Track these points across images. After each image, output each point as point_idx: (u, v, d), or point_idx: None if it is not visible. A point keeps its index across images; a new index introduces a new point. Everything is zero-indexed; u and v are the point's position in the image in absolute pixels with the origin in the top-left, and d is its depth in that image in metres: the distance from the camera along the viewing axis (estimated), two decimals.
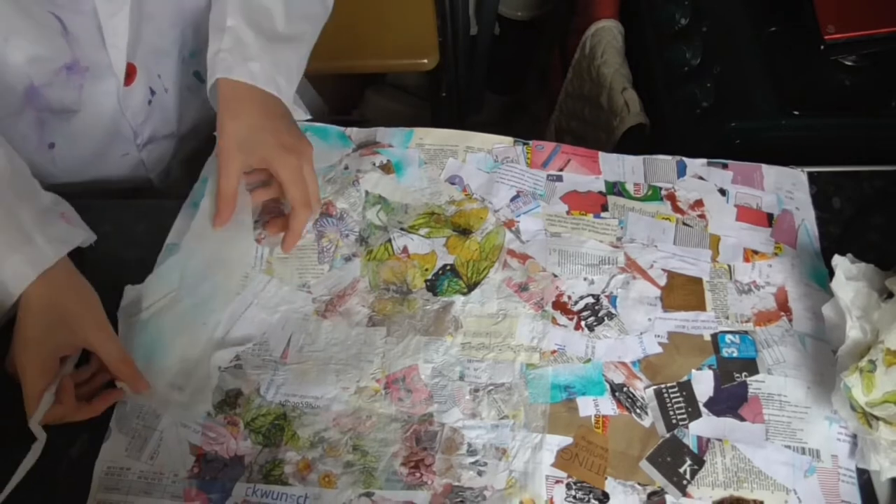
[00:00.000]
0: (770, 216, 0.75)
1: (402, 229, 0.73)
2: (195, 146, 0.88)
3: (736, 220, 0.74)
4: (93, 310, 0.61)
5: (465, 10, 1.48)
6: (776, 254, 0.72)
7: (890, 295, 0.66)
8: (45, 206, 0.63)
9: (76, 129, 0.74)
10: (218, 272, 0.70)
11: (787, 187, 0.77)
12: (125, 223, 0.73)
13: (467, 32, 1.55)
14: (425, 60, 1.29)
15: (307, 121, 0.79)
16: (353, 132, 0.80)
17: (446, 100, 1.57)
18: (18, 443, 0.61)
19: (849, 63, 0.88)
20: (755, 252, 0.72)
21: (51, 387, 0.59)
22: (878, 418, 0.60)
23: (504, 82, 1.83)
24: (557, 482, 0.61)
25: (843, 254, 0.68)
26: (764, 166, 0.78)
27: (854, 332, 0.64)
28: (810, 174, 0.79)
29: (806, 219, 0.75)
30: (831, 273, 0.67)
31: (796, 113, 0.85)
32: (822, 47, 0.84)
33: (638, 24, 1.09)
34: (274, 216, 0.73)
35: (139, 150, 0.80)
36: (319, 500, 0.60)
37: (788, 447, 0.63)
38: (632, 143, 1.01)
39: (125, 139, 0.78)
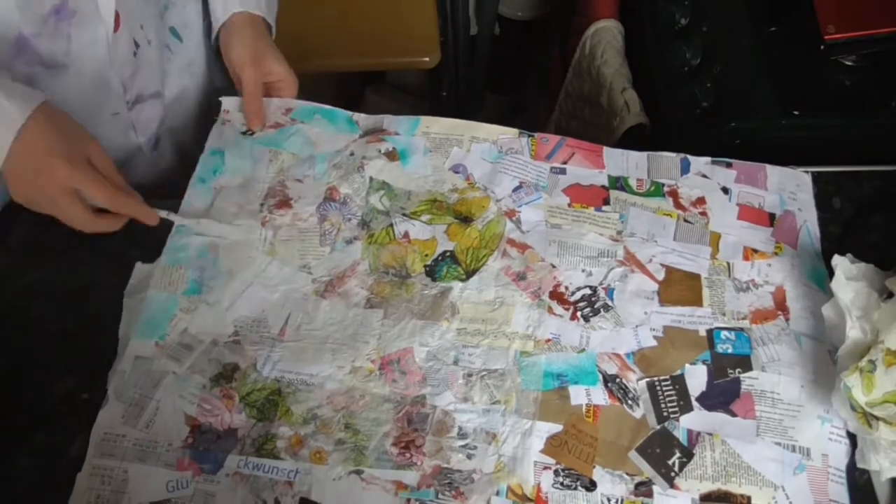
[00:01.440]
0: (772, 216, 0.75)
1: (404, 215, 0.74)
2: (181, 114, 0.89)
3: (737, 218, 0.74)
4: (83, 126, 0.66)
5: (466, 9, 1.48)
6: (776, 253, 0.72)
7: (890, 295, 0.65)
8: None
9: (66, 84, 0.74)
10: (225, 255, 0.71)
11: (790, 188, 0.77)
12: (127, 223, 0.72)
13: (468, 32, 1.55)
14: (427, 58, 1.29)
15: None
16: (361, 118, 0.81)
17: (446, 99, 1.57)
18: (19, 445, 0.63)
19: (849, 63, 0.89)
20: (755, 251, 0.73)
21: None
22: (878, 418, 0.60)
23: (504, 82, 1.84)
24: (545, 468, 0.61)
25: (843, 254, 0.68)
26: (768, 166, 0.78)
27: (854, 332, 0.64)
28: (810, 174, 0.79)
29: (808, 220, 0.75)
30: (831, 274, 0.67)
31: (796, 113, 0.85)
32: (822, 47, 0.84)
33: (638, 24, 1.10)
34: (280, 200, 0.74)
35: (129, 108, 0.81)
36: (310, 475, 0.61)
37: (779, 444, 0.63)
38: (632, 143, 1.01)
39: (115, 95, 0.79)
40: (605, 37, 1.12)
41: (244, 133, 0.79)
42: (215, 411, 0.63)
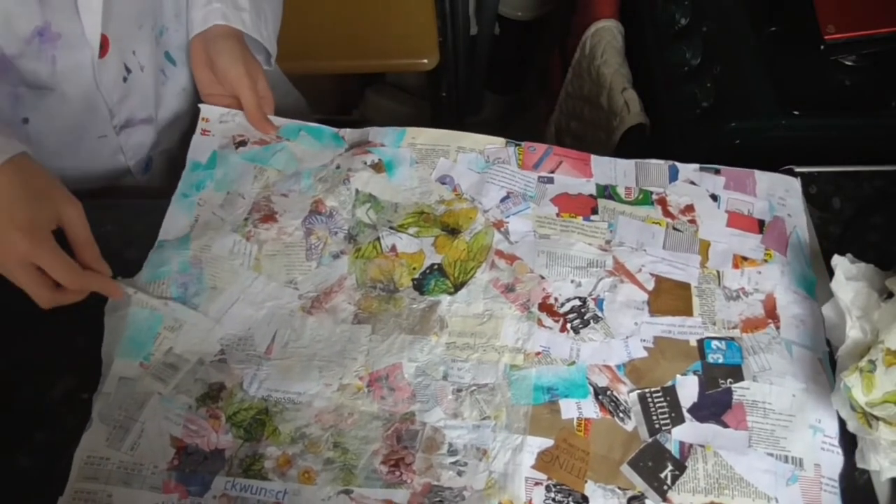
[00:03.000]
0: (761, 223, 0.74)
1: (391, 228, 0.73)
2: (176, 138, 0.88)
3: (726, 225, 0.74)
4: (61, 187, 0.62)
5: (465, 10, 1.48)
6: (766, 260, 0.72)
7: (890, 295, 0.66)
8: None
9: (51, 106, 0.73)
10: (209, 270, 0.70)
11: (779, 194, 0.76)
12: (125, 223, 0.73)
13: (467, 32, 1.55)
14: (425, 60, 1.29)
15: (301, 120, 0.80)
16: (347, 133, 0.81)
17: (446, 100, 1.57)
18: (19, 445, 0.63)
19: (849, 63, 0.89)
20: (744, 258, 0.72)
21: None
22: (878, 418, 0.60)
23: (504, 82, 1.84)
24: (537, 484, 0.61)
25: (843, 254, 0.68)
26: (757, 172, 0.77)
27: (854, 332, 0.64)
28: (810, 174, 0.79)
29: (798, 226, 0.75)
30: (830, 273, 0.66)
31: (796, 113, 0.85)
32: (822, 47, 0.84)
33: (638, 24, 1.09)
34: (265, 214, 0.73)
35: (117, 132, 0.80)
36: (298, 496, 0.60)
37: (771, 455, 0.62)
38: (632, 143, 1.01)
39: (101, 119, 0.78)
40: (605, 37, 1.11)
41: (228, 147, 0.78)
42: (201, 432, 0.62)
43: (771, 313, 0.69)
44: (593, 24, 1.13)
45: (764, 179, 0.77)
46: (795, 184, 0.77)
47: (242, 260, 0.71)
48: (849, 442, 0.63)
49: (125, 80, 0.77)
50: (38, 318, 0.68)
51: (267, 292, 0.69)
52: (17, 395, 0.65)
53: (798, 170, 0.79)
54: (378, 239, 0.72)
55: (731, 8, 0.95)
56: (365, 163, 0.76)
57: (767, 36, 0.91)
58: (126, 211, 0.75)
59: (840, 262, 0.66)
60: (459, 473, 0.61)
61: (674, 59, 0.97)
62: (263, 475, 0.61)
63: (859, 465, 0.61)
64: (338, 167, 0.77)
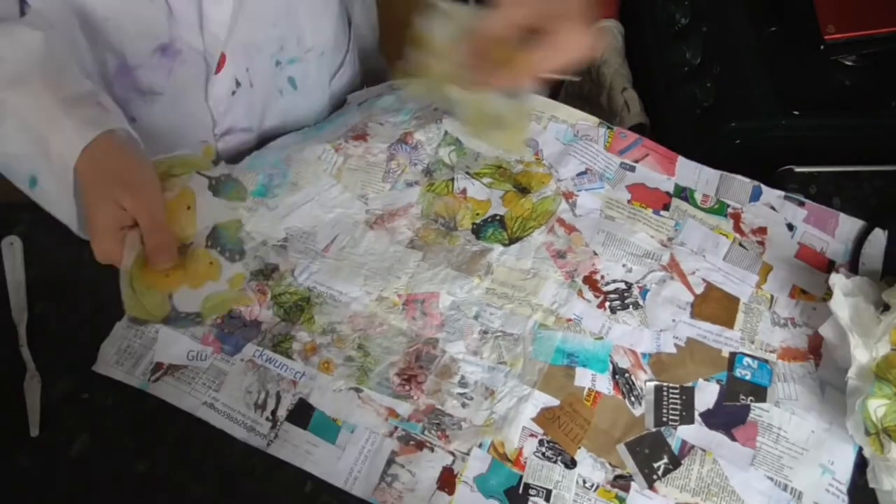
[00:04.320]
0: (831, 263, 0.73)
1: (467, 173, 0.76)
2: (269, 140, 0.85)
3: (795, 256, 0.73)
4: (143, 171, 0.59)
5: None
6: (824, 299, 0.70)
7: (887, 307, 0.64)
8: (77, 92, 0.60)
9: (158, 110, 0.75)
10: (295, 169, 0.76)
11: None
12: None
13: None
14: None
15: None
16: None
17: None
18: (19, 445, 0.63)
19: (849, 63, 0.87)
20: (804, 291, 0.71)
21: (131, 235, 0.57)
22: (890, 437, 0.59)
23: None
24: (532, 436, 0.63)
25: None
26: (842, 215, 0.75)
27: (859, 351, 0.63)
28: (810, 174, 0.78)
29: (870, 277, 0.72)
30: None
31: (796, 113, 0.84)
32: (822, 47, 0.83)
33: (638, 24, 1.07)
34: (358, 133, 0.78)
35: (216, 139, 0.81)
36: (314, 380, 0.65)
37: (771, 479, 0.62)
38: None
39: (204, 126, 0.79)
40: (605, 37, 1.10)
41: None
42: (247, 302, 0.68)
43: (814, 350, 0.68)
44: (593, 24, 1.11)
45: (847, 224, 0.75)
46: (881, 236, 0.75)
47: (326, 167, 0.76)
48: (858, 493, 0.62)
49: (233, 93, 0.77)
50: (39, 318, 0.69)
51: (339, 200, 0.74)
52: (18, 395, 0.65)
53: (798, 170, 0.78)
54: (452, 179, 0.76)
55: (731, 8, 0.93)
56: None
57: (767, 36, 0.89)
58: None
59: (837, 280, 0.65)
60: (463, 405, 0.64)
61: (674, 59, 0.96)
62: (289, 354, 0.66)
63: (871, 485, 0.60)
64: (435, 109, 0.81)
